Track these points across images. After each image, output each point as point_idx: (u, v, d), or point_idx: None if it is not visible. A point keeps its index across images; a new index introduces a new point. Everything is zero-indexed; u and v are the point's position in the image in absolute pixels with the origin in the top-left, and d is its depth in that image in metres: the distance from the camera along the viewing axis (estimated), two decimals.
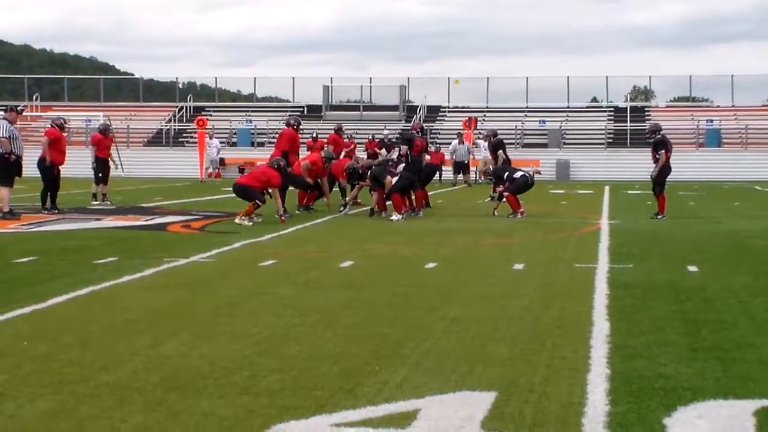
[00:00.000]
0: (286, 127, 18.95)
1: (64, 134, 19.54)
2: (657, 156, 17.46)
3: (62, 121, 19.63)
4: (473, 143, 36.85)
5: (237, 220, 15.66)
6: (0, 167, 16.79)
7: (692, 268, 10.27)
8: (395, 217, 16.79)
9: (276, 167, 16.44)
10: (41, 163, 18.50)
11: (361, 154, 27.36)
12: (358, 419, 4.63)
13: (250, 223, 15.45)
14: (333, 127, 26.73)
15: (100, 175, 21.49)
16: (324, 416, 4.68)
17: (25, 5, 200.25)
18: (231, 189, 17.15)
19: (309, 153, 20.25)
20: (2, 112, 17.60)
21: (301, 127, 19.50)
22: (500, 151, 19.87)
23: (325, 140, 24.71)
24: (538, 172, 38.85)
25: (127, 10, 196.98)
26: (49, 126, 19.59)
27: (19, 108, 18.07)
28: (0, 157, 16.73)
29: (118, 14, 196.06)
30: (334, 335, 6.63)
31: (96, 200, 21.27)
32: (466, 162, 35.10)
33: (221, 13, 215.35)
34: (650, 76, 53.01)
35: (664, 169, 17.49)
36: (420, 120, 45.28)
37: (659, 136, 17.70)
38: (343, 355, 5.99)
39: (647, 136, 18.17)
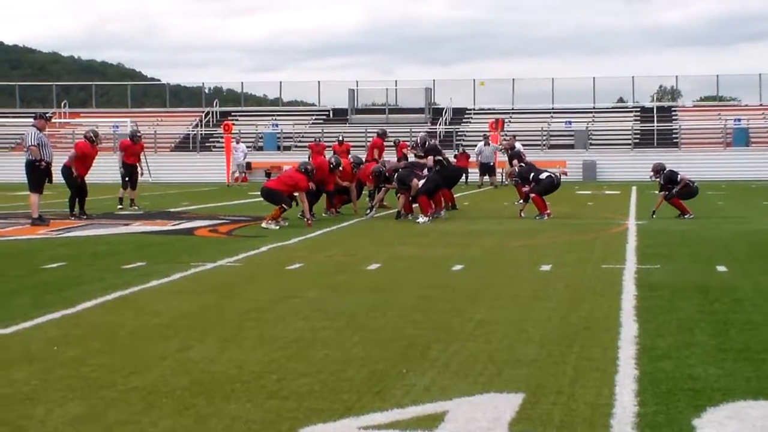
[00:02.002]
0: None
1: (96, 147, 19.27)
2: (672, 189, 17.65)
3: (93, 135, 19.05)
4: (500, 144, 36.78)
5: (264, 225, 15.70)
6: (30, 174, 16.95)
7: (721, 268, 10.21)
8: (422, 219, 16.79)
9: (303, 171, 16.47)
10: (66, 170, 18.56)
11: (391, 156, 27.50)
12: (385, 422, 4.63)
13: (277, 227, 15.49)
14: (376, 131, 27.20)
15: (127, 179, 21.61)
16: (352, 419, 4.69)
17: (54, 13, 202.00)
18: (258, 193, 17.20)
19: (334, 155, 20.29)
20: (31, 119, 17.73)
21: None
22: (515, 161, 21.15)
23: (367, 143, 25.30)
24: (565, 173, 38.78)
25: (154, 17, 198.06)
26: (82, 138, 19.51)
27: (47, 115, 18.15)
28: (30, 164, 16.88)
29: (146, 21, 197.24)
30: (362, 338, 6.63)
31: (121, 205, 21.37)
32: (491, 164, 35.00)
33: (249, 19, 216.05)
34: (677, 76, 52.82)
35: (688, 191, 17.79)
36: (446, 122, 45.29)
37: (667, 171, 17.92)
38: (370, 358, 6.00)
39: (653, 178, 18.40)
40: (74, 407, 4.93)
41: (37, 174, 16.87)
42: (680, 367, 5.67)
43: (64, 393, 5.20)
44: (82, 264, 11.03)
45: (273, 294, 8.73)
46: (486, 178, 34.66)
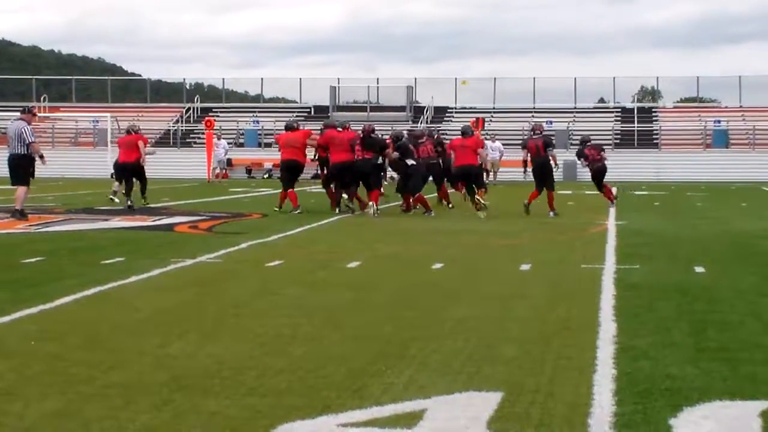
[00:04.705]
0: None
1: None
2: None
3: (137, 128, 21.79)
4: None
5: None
6: (23, 167, 16.86)
7: (699, 269, 10.26)
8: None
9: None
10: (131, 165, 20.36)
11: None
12: (364, 419, 4.63)
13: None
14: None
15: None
16: (330, 416, 4.68)
17: (35, 7, 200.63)
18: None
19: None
20: (10, 113, 17.67)
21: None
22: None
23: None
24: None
25: (136, 12, 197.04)
26: (125, 133, 20.86)
27: (33, 109, 18.18)
28: (27, 157, 16.80)
29: (128, 16, 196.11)
30: (341, 336, 6.63)
31: (116, 198, 21.77)
32: None
33: (231, 15, 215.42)
34: (658, 77, 53.04)
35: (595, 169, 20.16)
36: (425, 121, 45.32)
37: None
38: (349, 355, 5.99)
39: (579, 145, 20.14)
40: (52, 402, 4.91)
41: (31, 167, 16.86)
42: (658, 366, 5.69)
43: (41, 388, 5.17)
44: (61, 259, 10.98)
45: (252, 291, 8.72)
46: None
